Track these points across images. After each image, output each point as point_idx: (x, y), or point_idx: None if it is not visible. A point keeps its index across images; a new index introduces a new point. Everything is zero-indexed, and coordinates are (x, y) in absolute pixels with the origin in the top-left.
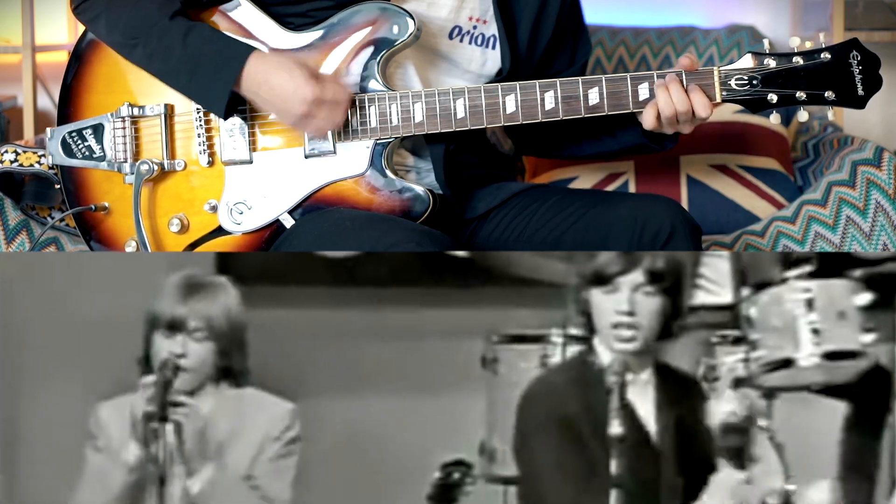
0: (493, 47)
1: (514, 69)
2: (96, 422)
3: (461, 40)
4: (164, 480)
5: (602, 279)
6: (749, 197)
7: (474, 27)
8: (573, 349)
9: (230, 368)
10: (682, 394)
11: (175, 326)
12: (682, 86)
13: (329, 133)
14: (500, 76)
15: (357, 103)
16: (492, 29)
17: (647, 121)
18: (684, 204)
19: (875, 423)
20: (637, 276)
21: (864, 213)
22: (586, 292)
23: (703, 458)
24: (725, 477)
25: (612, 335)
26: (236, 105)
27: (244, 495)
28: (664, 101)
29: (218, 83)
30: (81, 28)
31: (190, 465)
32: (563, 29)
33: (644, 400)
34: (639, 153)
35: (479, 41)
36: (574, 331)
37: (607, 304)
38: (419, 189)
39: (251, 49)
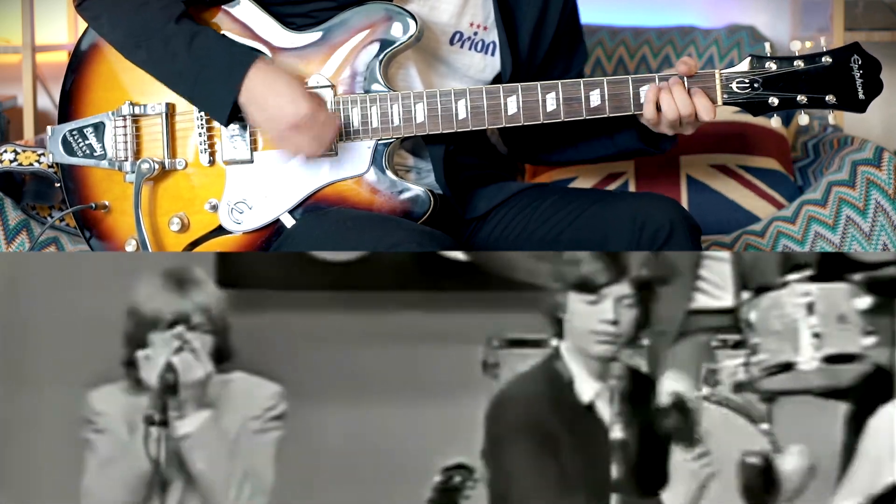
0: (493, 54)
1: (514, 76)
2: (91, 410)
3: (462, 46)
4: (166, 485)
5: (587, 288)
6: (749, 197)
7: (475, 33)
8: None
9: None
10: (646, 394)
11: (177, 320)
12: (685, 88)
13: None
14: (500, 83)
15: (359, 103)
16: (492, 35)
17: (648, 114)
18: (684, 204)
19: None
20: (623, 287)
21: (864, 213)
22: (563, 297)
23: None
24: (680, 459)
25: (589, 340)
26: (238, 112)
27: (228, 454)
28: (667, 104)
29: (222, 90)
30: (82, 27)
31: (181, 410)
32: (561, 37)
33: (608, 403)
34: (635, 156)
35: (479, 47)
36: None
37: (589, 312)
38: (420, 189)
39: (256, 55)
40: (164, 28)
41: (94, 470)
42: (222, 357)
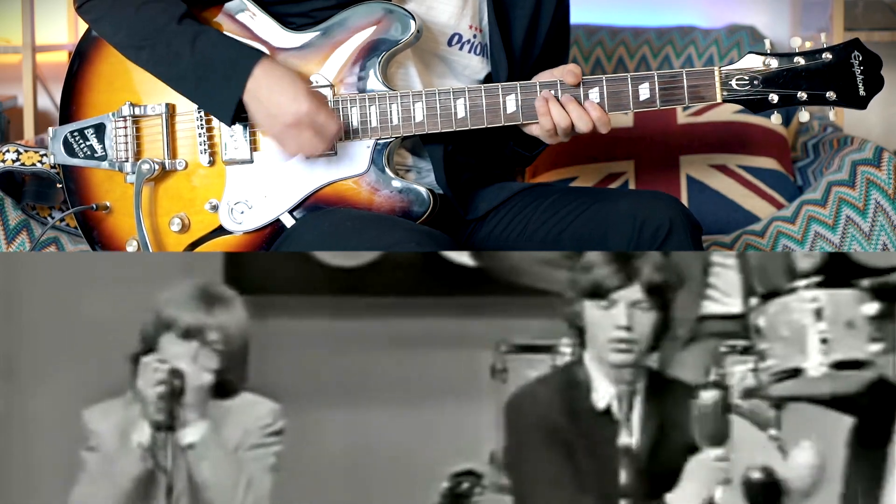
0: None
1: (510, 79)
2: (84, 427)
3: (461, 48)
4: (173, 489)
5: (598, 293)
6: (749, 197)
7: (474, 36)
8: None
9: (227, 383)
10: (673, 401)
11: (191, 333)
12: (558, 100)
13: None
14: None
15: (358, 102)
16: (487, 38)
17: (546, 125)
18: (684, 204)
19: (881, 434)
20: (635, 291)
21: (863, 213)
22: (580, 305)
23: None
24: (704, 458)
25: (608, 349)
26: (241, 111)
27: (230, 463)
28: (558, 113)
29: (226, 91)
30: (82, 28)
31: (185, 416)
32: (552, 41)
33: (633, 410)
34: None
35: (478, 50)
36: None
37: (604, 319)
38: (419, 189)
39: (260, 54)
40: (166, 29)
41: (83, 486)
42: (228, 384)
